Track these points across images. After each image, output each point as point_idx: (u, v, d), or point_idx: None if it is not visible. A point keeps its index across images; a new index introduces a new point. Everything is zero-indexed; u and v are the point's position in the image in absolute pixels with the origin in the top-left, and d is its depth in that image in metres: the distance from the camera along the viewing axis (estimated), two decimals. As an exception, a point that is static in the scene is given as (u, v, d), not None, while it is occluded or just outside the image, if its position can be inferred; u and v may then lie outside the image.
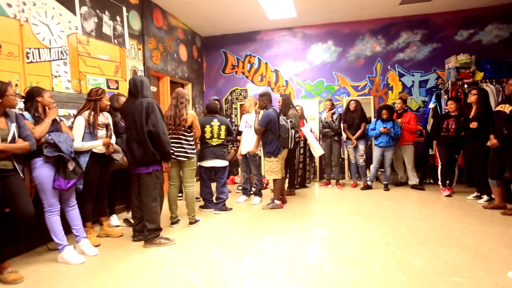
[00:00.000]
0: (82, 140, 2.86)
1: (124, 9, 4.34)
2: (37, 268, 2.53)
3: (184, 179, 3.51)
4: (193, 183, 3.56)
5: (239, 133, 4.86)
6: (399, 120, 5.15)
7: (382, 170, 5.27)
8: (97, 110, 2.98)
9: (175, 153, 3.34)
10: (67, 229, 2.71)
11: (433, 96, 5.36)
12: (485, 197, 4.11)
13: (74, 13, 3.54)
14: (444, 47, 5.75)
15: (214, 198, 4.17)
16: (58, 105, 3.16)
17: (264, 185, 5.35)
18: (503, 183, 3.75)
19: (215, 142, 3.96)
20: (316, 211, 3.99)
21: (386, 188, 5.09)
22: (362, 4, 5.34)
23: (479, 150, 3.99)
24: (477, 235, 2.97)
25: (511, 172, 3.55)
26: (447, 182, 4.66)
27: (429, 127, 5.28)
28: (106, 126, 3.07)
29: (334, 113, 5.28)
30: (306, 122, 5.29)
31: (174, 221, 3.53)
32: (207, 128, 3.96)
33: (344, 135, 5.49)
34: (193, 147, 3.47)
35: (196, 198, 4.42)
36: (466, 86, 5.14)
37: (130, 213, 3.82)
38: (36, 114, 2.60)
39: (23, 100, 2.70)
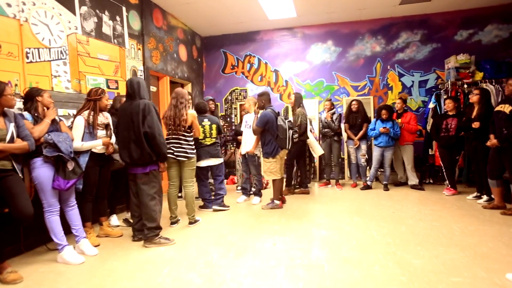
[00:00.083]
0: (82, 140, 2.86)
1: (124, 9, 4.34)
2: (36, 268, 2.53)
3: (184, 179, 3.52)
4: (193, 183, 3.57)
5: (240, 133, 4.87)
6: (399, 120, 5.16)
7: (382, 170, 5.27)
8: (97, 110, 2.98)
9: (175, 153, 3.34)
10: (67, 229, 2.70)
11: (433, 96, 5.36)
12: (484, 197, 4.11)
13: (74, 13, 3.54)
14: (443, 47, 5.76)
15: (213, 197, 4.19)
16: (57, 105, 3.17)
17: (264, 185, 5.36)
18: (502, 183, 3.75)
19: (208, 141, 3.99)
20: (316, 211, 3.99)
21: (386, 188, 5.09)
22: (362, 4, 5.34)
23: (481, 150, 3.99)
24: (476, 235, 2.98)
25: (511, 172, 3.55)
26: (447, 182, 4.68)
27: (428, 127, 5.29)
28: (106, 126, 3.08)
29: (334, 113, 5.27)
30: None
31: (173, 221, 3.54)
32: (200, 129, 3.97)
33: (344, 135, 5.50)
34: (193, 147, 3.48)
35: (196, 198, 4.43)
36: (465, 86, 5.15)
37: (130, 213, 3.83)
38: (36, 114, 2.60)
39: (23, 100, 2.70)
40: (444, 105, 4.75)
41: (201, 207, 4.19)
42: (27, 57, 2.99)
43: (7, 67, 2.81)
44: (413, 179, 5.14)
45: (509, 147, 3.50)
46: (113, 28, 4.13)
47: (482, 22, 5.59)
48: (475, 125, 4.00)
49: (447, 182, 4.69)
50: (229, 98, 6.80)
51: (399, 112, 5.26)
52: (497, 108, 3.69)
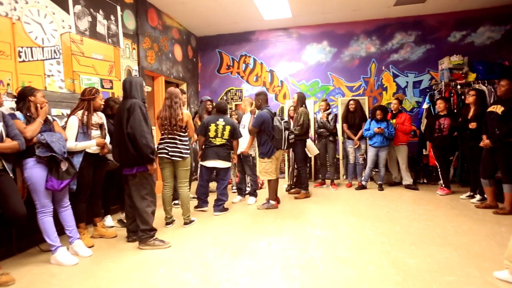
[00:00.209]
0: (76, 140, 2.83)
1: (118, 8, 4.30)
2: (29, 269, 2.49)
3: (178, 179, 3.48)
4: (187, 183, 3.54)
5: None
6: (394, 120, 5.20)
7: (377, 170, 5.31)
8: (91, 109, 2.95)
9: (169, 153, 3.32)
10: (60, 230, 2.68)
11: (427, 97, 5.41)
12: (477, 197, 4.16)
13: (68, 11, 3.50)
14: (437, 48, 5.82)
15: (208, 198, 4.14)
16: (51, 105, 3.13)
17: (259, 185, 5.35)
18: (495, 183, 3.80)
19: (218, 141, 3.91)
20: (311, 211, 4.00)
21: (381, 188, 5.12)
22: (357, 5, 5.37)
23: (476, 150, 4.04)
24: (469, 234, 3.01)
25: (503, 172, 3.60)
26: (441, 182, 4.73)
27: (422, 128, 5.34)
28: (100, 126, 3.05)
29: (329, 113, 5.29)
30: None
31: (168, 221, 3.52)
32: (212, 127, 3.92)
33: (340, 135, 5.51)
34: (188, 147, 3.46)
35: (192, 197, 4.41)
36: (459, 87, 5.21)
37: (124, 213, 3.80)
38: (28, 114, 2.56)
39: (15, 99, 2.66)
40: (436, 105, 4.81)
41: (196, 207, 4.16)
42: (20, 56, 2.95)
43: (-1, 66, 2.77)
44: (407, 179, 5.18)
45: (501, 147, 3.55)
46: (107, 28, 4.09)
47: (475, 24, 5.67)
48: (472, 125, 4.04)
49: (441, 181, 4.74)
50: (225, 98, 6.79)
51: (394, 112, 5.30)
52: (490, 109, 3.74)
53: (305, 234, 3.14)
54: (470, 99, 4.20)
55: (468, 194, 4.39)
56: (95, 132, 2.98)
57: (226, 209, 4.04)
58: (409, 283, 2.11)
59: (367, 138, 5.19)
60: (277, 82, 6.57)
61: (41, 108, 2.60)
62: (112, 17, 4.19)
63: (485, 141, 3.69)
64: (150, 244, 2.86)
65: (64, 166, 2.56)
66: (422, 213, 3.74)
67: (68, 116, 2.97)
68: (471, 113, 4.16)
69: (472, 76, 5.22)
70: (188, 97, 6.26)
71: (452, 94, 5.17)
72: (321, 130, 5.28)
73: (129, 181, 2.84)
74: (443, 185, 4.70)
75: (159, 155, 3.32)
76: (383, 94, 6.14)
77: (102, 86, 3.95)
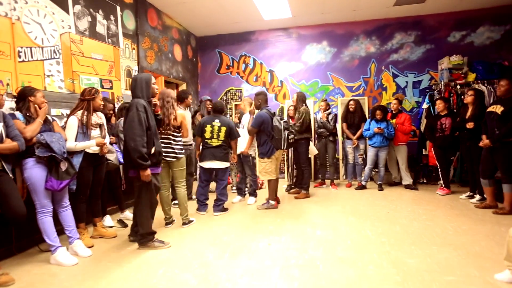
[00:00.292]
0: (75, 140, 2.82)
1: (118, 8, 4.30)
2: (29, 270, 2.49)
3: (175, 180, 3.47)
4: (184, 183, 3.52)
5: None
6: (394, 120, 5.20)
7: (376, 170, 5.31)
8: (90, 110, 2.93)
9: (164, 154, 3.29)
10: (60, 230, 2.67)
11: (427, 97, 5.41)
12: (477, 197, 4.16)
13: (67, 11, 3.50)
14: (437, 48, 5.82)
15: (207, 201, 4.12)
16: (50, 105, 3.13)
17: (259, 185, 5.35)
18: (494, 183, 3.80)
19: (214, 142, 3.87)
20: (311, 211, 4.00)
21: (380, 188, 5.12)
22: (357, 5, 5.37)
23: (474, 150, 4.04)
24: (469, 234, 3.01)
25: (503, 172, 3.60)
26: (440, 182, 4.73)
27: (422, 128, 5.34)
28: (100, 126, 3.04)
29: (329, 113, 5.29)
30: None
31: (168, 221, 3.51)
32: (208, 128, 3.89)
33: (340, 135, 5.51)
34: (182, 147, 3.45)
35: (193, 198, 4.41)
36: (458, 87, 5.21)
37: (124, 213, 3.81)
38: (28, 114, 2.56)
39: (15, 99, 2.66)
40: (436, 105, 4.82)
41: (196, 209, 4.14)
42: (19, 56, 2.95)
43: (-1, 66, 2.77)
44: (407, 179, 5.18)
45: (501, 147, 3.55)
46: (107, 28, 4.09)
47: (475, 24, 5.67)
48: (470, 125, 4.04)
49: (441, 181, 4.74)
50: (224, 98, 6.79)
51: (394, 112, 5.30)
52: (489, 109, 3.74)
53: (305, 234, 3.14)
54: (468, 99, 4.20)
55: (467, 194, 4.39)
56: (95, 132, 2.98)
57: (225, 209, 4.04)
58: (409, 283, 2.11)
59: (367, 138, 5.19)
60: (277, 82, 6.57)
61: (40, 108, 2.60)
62: (112, 17, 4.19)
63: (484, 141, 3.70)
64: (150, 246, 2.85)
65: (63, 166, 2.55)
66: (422, 213, 3.74)
67: (68, 116, 2.96)
68: (468, 113, 4.17)
69: (471, 76, 5.22)
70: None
71: (451, 94, 5.18)
72: (321, 130, 5.28)
73: (134, 183, 2.83)
74: (443, 185, 4.70)
75: None
76: (382, 94, 6.14)
77: (102, 86, 3.94)
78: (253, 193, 4.56)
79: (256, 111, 4.16)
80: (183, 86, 6.20)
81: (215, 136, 3.88)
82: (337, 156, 5.75)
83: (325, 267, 2.39)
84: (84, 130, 2.88)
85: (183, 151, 3.47)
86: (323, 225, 3.39)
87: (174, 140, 3.35)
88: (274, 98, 6.55)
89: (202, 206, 4.02)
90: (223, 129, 3.88)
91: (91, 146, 2.92)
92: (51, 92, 3.25)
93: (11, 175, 2.36)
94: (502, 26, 5.57)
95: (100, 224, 3.26)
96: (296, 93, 4.86)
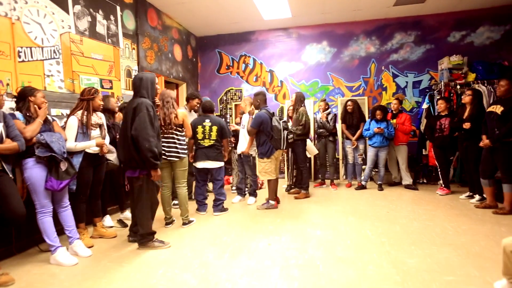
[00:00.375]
0: (75, 140, 2.82)
1: (118, 8, 4.30)
2: (28, 270, 2.49)
3: (176, 180, 3.46)
4: (185, 183, 3.52)
5: (234, 133, 4.86)
6: (394, 120, 5.20)
7: (376, 170, 5.31)
8: (90, 110, 2.94)
9: (166, 154, 3.29)
10: (60, 230, 2.67)
11: (427, 97, 5.41)
12: (477, 197, 4.16)
13: (67, 12, 3.50)
14: (437, 48, 5.82)
15: (206, 200, 4.12)
16: (50, 105, 3.13)
17: (259, 185, 5.35)
18: (494, 183, 3.80)
19: (207, 143, 3.86)
20: (311, 211, 4.00)
21: (380, 188, 5.12)
22: (357, 5, 5.37)
23: (471, 150, 4.05)
24: (469, 234, 3.01)
25: (503, 172, 3.60)
26: (440, 182, 4.73)
27: (422, 128, 5.35)
28: (100, 126, 3.04)
29: (329, 113, 5.30)
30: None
31: (168, 221, 3.51)
32: (199, 129, 3.87)
33: (340, 135, 5.51)
34: (185, 147, 3.44)
35: (192, 198, 4.40)
36: (458, 87, 5.21)
37: (124, 213, 3.80)
38: (28, 114, 2.56)
39: (15, 99, 2.66)
40: (437, 105, 4.81)
41: (197, 209, 4.14)
42: (19, 56, 2.95)
43: (-1, 66, 2.77)
44: (407, 179, 5.18)
45: (501, 147, 3.55)
46: (107, 28, 4.09)
47: (474, 24, 5.67)
48: (466, 125, 4.05)
49: (441, 181, 4.74)
50: (224, 98, 6.79)
51: (394, 112, 5.30)
52: (489, 109, 3.74)
53: (305, 234, 3.14)
54: (466, 98, 4.20)
55: (467, 194, 4.39)
56: (95, 132, 2.98)
57: (225, 209, 4.04)
58: (409, 283, 2.11)
59: (366, 138, 5.19)
60: (277, 82, 6.57)
61: (40, 108, 2.59)
62: (112, 17, 4.19)
63: (484, 141, 3.70)
64: (150, 246, 2.84)
65: (63, 166, 2.56)
66: (422, 213, 3.74)
67: (68, 116, 2.96)
68: (466, 113, 4.17)
69: (471, 76, 5.22)
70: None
71: (451, 94, 5.18)
72: (321, 130, 5.28)
73: (132, 184, 2.83)
74: (443, 185, 4.70)
75: None
76: (382, 94, 6.14)
77: (102, 86, 3.94)
78: (253, 193, 4.56)
79: (255, 111, 4.16)
80: (183, 86, 6.20)
81: (207, 136, 3.86)
82: (337, 156, 5.75)
83: (325, 267, 2.39)
84: (84, 130, 2.88)
85: (186, 151, 3.47)
86: (323, 225, 3.39)
87: (178, 140, 3.34)
88: (274, 98, 6.55)
89: (201, 206, 4.01)
90: (214, 128, 3.87)
91: (91, 146, 2.92)
92: (51, 92, 3.25)
93: (11, 175, 2.36)
94: (502, 26, 5.57)
95: (100, 224, 3.26)
96: (295, 93, 4.86)
